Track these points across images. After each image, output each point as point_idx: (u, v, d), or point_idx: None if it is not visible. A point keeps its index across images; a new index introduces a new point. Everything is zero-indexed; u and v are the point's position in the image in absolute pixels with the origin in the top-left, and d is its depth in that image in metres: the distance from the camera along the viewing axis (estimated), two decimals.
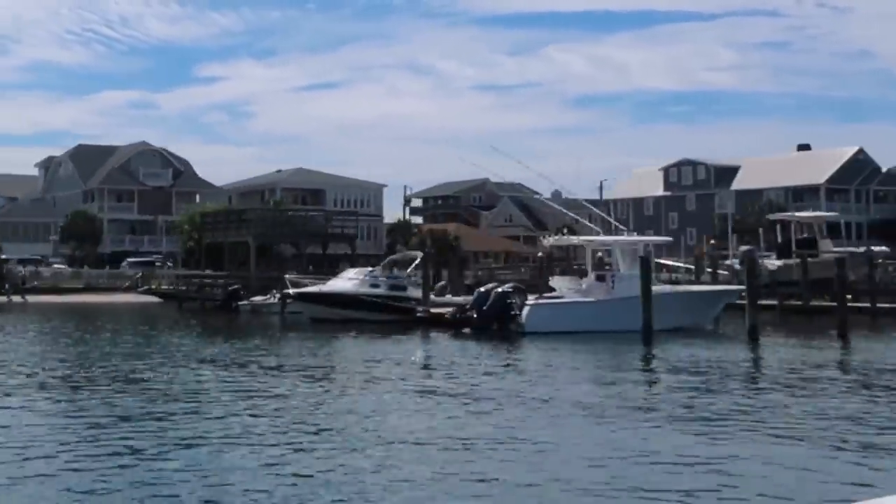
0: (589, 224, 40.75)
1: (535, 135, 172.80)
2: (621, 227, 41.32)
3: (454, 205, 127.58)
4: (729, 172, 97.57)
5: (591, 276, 36.63)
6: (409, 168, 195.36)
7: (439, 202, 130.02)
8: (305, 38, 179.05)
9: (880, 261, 49.56)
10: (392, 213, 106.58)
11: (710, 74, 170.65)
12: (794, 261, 47.74)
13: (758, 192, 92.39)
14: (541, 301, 34.82)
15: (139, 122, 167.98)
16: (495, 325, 34.41)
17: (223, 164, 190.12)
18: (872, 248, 52.66)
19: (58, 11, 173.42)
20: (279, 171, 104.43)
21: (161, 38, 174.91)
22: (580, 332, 32.72)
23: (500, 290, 35.15)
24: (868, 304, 45.32)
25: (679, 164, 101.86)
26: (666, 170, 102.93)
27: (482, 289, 36.29)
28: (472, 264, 79.09)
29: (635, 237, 41.58)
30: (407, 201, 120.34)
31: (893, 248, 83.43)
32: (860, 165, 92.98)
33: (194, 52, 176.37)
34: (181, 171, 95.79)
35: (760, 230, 58.37)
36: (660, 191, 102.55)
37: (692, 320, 35.55)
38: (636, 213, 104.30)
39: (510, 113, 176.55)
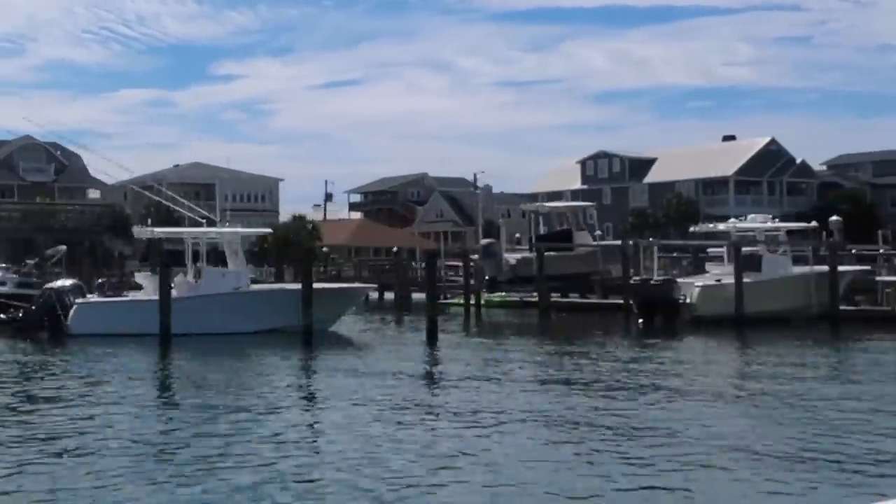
0: (196, 216, 35.77)
1: (555, 131, 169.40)
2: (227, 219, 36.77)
3: (391, 200, 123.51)
4: (644, 165, 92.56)
5: (191, 272, 32.21)
6: (428, 165, 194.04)
7: (377, 197, 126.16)
8: (323, 35, 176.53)
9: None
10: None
11: (729, 70, 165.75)
12: (532, 255, 42.83)
13: (670, 185, 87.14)
14: (90, 300, 30.70)
15: (156, 120, 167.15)
16: (46, 324, 30.44)
17: (248, 162, 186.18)
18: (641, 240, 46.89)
19: (73, 10, 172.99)
20: (177, 165, 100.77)
21: (178, 37, 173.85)
22: (138, 334, 28.60)
23: (56, 287, 31.11)
24: (621, 301, 41.21)
25: (595, 157, 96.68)
26: (583, 163, 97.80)
27: (48, 286, 32.24)
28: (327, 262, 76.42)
29: (241, 230, 36.78)
30: (328, 197, 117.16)
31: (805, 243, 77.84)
32: (772, 156, 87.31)
33: (211, 51, 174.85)
34: (65, 165, 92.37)
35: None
36: (577, 184, 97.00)
37: (287, 321, 30.80)
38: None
39: (530, 109, 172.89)
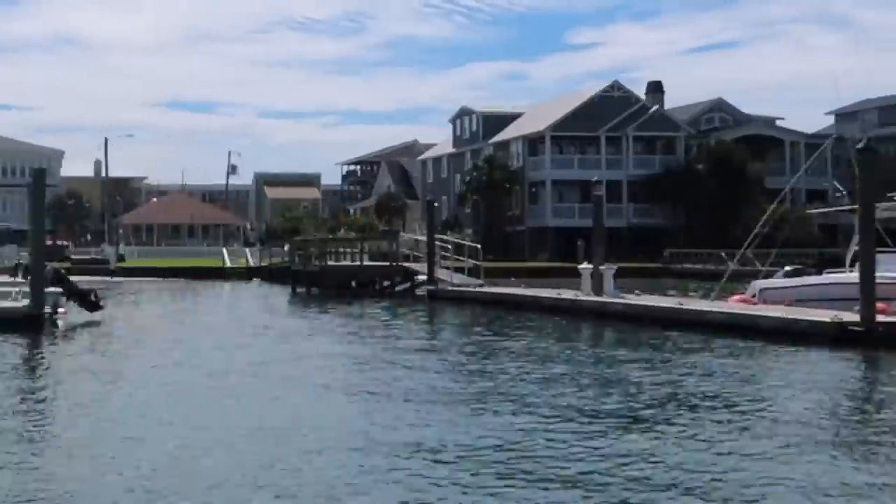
0: None
1: None
2: None
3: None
4: (500, 122, 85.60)
5: None
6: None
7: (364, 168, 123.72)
8: None
9: None
10: None
11: None
12: None
13: (506, 144, 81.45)
14: None
15: (509, 93, 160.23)
16: None
17: None
18: None
19: None
20: None
21: (527, 6, 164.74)
22: None
23: None
24: None
25: (460, 115, 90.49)
26: (453, 122, 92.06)
27: None
28: None
29: None
30: (232, 169, 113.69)
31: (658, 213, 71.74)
32: (615, 104, 77.13)
33: (565, 18, 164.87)
34: None
35: None
36: (449, 147, 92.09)
37: None
38: (435, 174, 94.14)
39: None
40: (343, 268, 46.64)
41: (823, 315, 21.46)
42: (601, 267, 30.72)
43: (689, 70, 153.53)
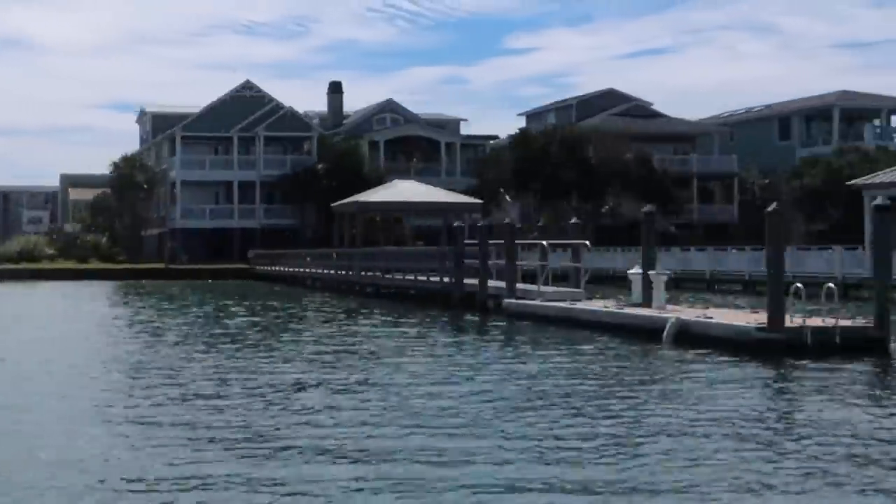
0: None
1: None
2: None
3: None
4: (170, 122, 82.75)
5: None
6: None
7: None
8: (622, 1, 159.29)
9: None
10: None
11: None
12: None
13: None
14: None
15: (449, 97, 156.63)
16: None
17: None
18: None
19: None
20: None
21: (468, 11, 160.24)
22: None
23: None
24: None
25: (141, 115, 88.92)
26: (138, 121, 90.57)
27: None
28: None
29: None
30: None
31: (289, 213, 70.61)
32: (246, 105, 76.48)
33: (504, 24, 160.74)
34: None
35: None
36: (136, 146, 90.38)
37: None
38: None
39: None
40: None
41: None
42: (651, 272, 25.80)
43: (624, 75, 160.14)
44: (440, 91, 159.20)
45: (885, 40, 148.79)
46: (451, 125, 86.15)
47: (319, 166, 70.99)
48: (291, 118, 75.52)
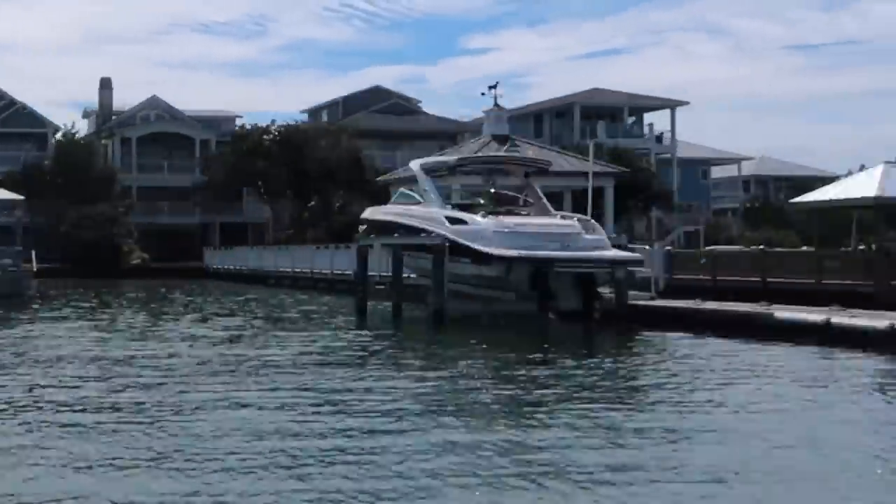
0: None
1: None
2: None
3: None
4: None
5: None
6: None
7: None
8: (579, 2, 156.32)
9: None
10: None
11: None
12: None
13: None
14: None
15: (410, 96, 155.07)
16: None
17: None
18: None
19: None
20: None
21: (424, 11, 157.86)
22: None
23: None
24: None
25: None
26: None
27: None
28: None
29: None
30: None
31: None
32: None
33: (461, 24, 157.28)
34: None
35: None
36: None
37: None
38: None
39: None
40: None
41: None
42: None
43: (580, 75, 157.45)
44: (399, 90, 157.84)
45: (833, 42, 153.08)
46: (227, 122, 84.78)
47: (46, 163, 69.38)
48: (27, 115, 73.78)
